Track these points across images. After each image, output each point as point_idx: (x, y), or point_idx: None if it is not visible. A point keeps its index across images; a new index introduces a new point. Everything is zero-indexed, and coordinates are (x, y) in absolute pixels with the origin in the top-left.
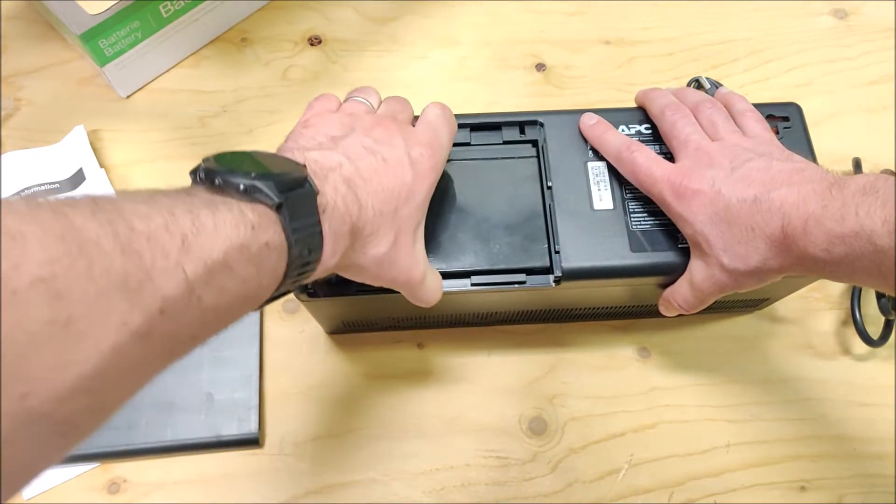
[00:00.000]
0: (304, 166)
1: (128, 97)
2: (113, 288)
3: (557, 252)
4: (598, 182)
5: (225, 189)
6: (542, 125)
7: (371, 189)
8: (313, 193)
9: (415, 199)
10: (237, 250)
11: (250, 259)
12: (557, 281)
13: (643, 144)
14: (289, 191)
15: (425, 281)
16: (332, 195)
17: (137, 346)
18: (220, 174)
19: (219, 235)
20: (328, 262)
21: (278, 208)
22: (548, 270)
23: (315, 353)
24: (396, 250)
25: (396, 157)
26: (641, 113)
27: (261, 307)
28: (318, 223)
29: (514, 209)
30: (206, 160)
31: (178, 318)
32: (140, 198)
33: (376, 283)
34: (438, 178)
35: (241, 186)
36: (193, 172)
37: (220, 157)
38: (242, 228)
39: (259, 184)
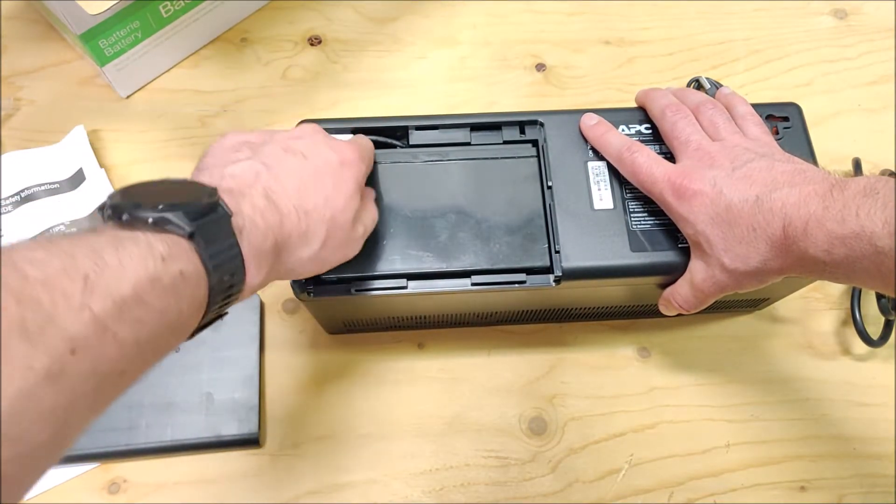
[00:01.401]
0: (215, 189)
1: (128, 97)
2: (10, 334)
3: (557, 252)
4: (598, 182)
5: (134, 224)
6: (542, 125)
7: (292, 190)
8: (227, 217)
9: (346, 185)
10: (148, 283)
11: (165, 290)
12: (557, 280)
13: (644, 145)
14: (200, 217)
15: (360, 242)
16: (249, 213)
17: (49, 388)
18: (126, 209)
19: (125, 271)
20: (253, 281)
21: (191, 237)
22: (548, 270)
23: (315, 353)
24: (329, 244)
25: (316, 150)
26: (641, 113)
27: (194, 334)
28: (236, 245)
29: (514, 209)
30: (111, 196)
31: (95, 354)
32: (37, 244)
33: (318, 274)
34: (368, 167)
35: (150, 219)
36: (100, 209)
37: (128, 191)
38: (151, 261)
39: (168, 215)
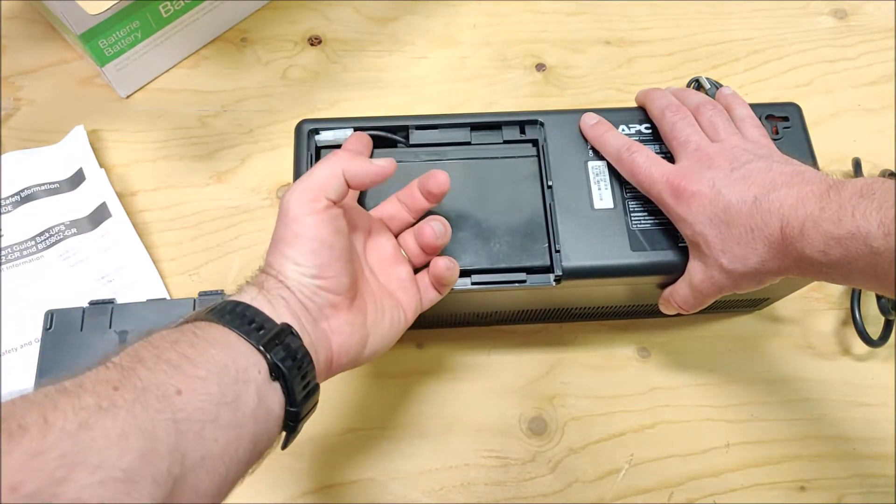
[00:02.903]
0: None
1: (128, 97)
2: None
3: (558, 251)
4: (598, 181)
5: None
6: (542, 125)
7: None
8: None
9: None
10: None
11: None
12: (558, 280)
13: (643, 145)
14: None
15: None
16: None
17: None
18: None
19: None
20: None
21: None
22: (548, 269)
23: None
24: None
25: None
26: (641, 113)
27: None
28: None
29: (514, 208)
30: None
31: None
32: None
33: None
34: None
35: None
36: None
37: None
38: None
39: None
